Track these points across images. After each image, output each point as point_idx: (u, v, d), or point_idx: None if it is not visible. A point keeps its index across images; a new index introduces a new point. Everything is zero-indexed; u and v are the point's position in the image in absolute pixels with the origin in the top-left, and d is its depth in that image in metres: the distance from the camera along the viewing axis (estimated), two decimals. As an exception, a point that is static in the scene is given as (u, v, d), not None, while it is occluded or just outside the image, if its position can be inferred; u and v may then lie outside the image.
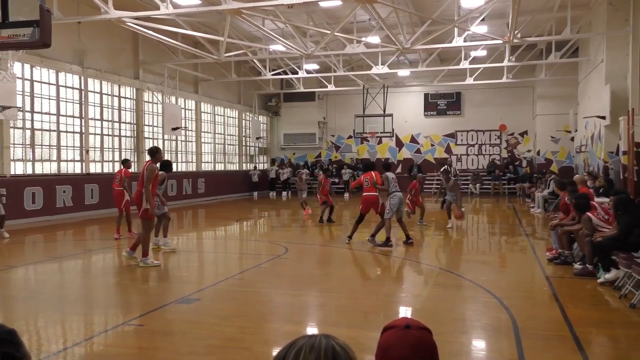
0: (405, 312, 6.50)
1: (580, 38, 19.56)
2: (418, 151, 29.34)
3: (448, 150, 28.90)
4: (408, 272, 8.84)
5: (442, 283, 7.87)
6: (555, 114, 25.31)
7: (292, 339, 1.34)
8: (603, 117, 16.03)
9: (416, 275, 8.85)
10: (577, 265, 8.30)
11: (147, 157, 9.23)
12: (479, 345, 5.30)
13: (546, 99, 25.94)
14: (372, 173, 11.22)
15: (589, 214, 8.27)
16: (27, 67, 15.58)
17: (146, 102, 20.89)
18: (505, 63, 21.11)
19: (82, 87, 17.60)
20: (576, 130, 23.24)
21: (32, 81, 15.81)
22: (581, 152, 21.76)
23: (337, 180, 28.72)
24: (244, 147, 28.97)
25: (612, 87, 15.38)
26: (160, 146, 21.85)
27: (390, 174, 11.07)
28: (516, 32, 15.89)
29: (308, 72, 24.16)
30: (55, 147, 16.71)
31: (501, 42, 17.52)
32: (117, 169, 19.38)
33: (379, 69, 21.59)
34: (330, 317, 6.27)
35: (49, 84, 16.48)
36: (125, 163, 12.78)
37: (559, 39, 18.31)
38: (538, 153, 26.73)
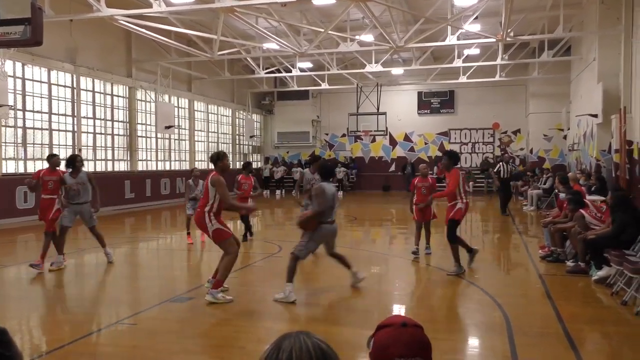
0: (398, 310, 6.51)
1: (572, 37, 19.62)
2: (412, 149, 29.37)
3: (442, 148, 28.96)
4: (401, 270, 8.85)
5: (435, 281, 7.88)
6: (548, 112, 25.40)
7: (274, 341, 1.34)
8: (595, 116, 16.10)
9: (409, 273, 8.86)
10: (570, 263, 8.34)
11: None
12: (472, 342, 5.32)
13: (539, 97, 26.04)
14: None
15: (582, 211, 8.32)
16: (18, 65, 15.46)
17: (139, 100, 20.80)
18: (498, 61, 21.15)
19: (74, 86, 17.50)
20: (569, 129, 23.34)
21: (23, 79, 15.70)
22: (574, 150, 21.86)
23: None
24: (237, 145, 28.91)
25: (604, 85, 15.45)
26: (153, 145, 21.79)
27: (326, 186, 7.01)
28: (509, 30, 15.93)
29: (302, 70, 24.13)
30: (47, 146, 16.60)
31: (494, 40, 17.57)
32: (109, 168, 19.38)
33: (373, 68, 21.60)
34: (324, 315, 6.28)
35: (41, 82, 16.37)
36: (50, 159, 8.96)
37: (552, 37, 18.37)
38: (531, 151, 26.84)
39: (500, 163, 17.57)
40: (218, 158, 6.95)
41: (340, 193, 26.79)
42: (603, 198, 9.57)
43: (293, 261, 6.72)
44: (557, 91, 24.66)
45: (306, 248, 6.80)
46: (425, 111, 29.10)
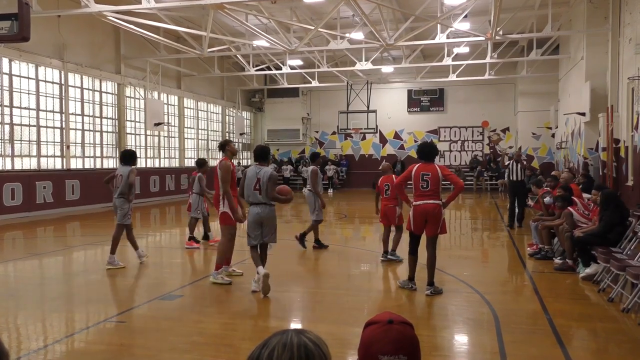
0: (387, 307, 6.53)
1: (560, 35, 19.77)
2: (402, 147, 29.47)
3: (431, 146, 29.03)
4: (391, 268, 8.87)
5: (424, 278, 7.91)
6: (537, 110, 25.60)
7: (265, 338, 1.34)
8: (583, 114, 16.24)
9: (399, 270, 8.88)
10: (557, 260, 8.40)
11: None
12: (460, 339, 5.35)
13: (527, 96, 26.22)
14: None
15: (570, 208, 8.38)
16: (5, 61, 15.32)
17: (128, 97, 20.67)
18: (488, 60, 21.26)
19: (63, 82, 17.36)
20: (557, 127, 23.53)
21: (10, 75, 15.55)
22: (561, 148, 22.04)
23: (321, 176, 28.87)
24: (227, 143, 28.78)
25: (592, 84, 15.58)
26: (142, 142, 21.67)
27: (248, 168, 7.11)
28: (498, 29, 16.01)
29: (292, 67, 24.11)
30: (35, 143, 16.47)
31: (483, 39, 17.66)
32: (98, 164, 19.25)
33: (363, 65, 21.62)
34: (313, 313, 6.28)
35: (29, 78, 16.23)
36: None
37: (540, 36, 18.49)
38: (520, 149, 26.99)
39: (510, 161, 13.58)
40: (222, 146, 7.54)
41: (331, 191, 26.82)
42: (589, 195, 9.65)
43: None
44: (545, 90, 24.85)
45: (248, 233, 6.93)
46: (415, 109, 29.19)
